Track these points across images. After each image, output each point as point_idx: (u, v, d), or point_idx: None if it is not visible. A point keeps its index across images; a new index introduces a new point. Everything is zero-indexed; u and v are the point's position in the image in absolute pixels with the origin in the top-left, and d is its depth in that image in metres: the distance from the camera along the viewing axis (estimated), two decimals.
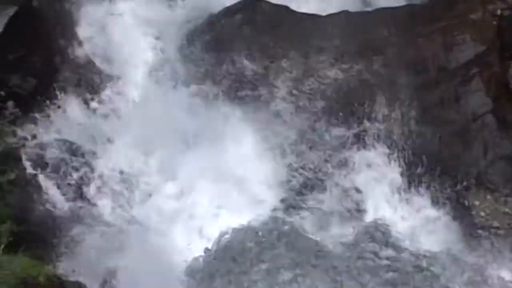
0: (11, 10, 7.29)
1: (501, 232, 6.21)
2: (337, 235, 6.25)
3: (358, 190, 6.57)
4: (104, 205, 6.49)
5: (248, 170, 6.59)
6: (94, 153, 6.67)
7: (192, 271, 5.97)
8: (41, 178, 6.45)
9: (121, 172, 6.65)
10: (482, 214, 6.29)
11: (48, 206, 6.34)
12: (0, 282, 4.66)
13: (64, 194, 6.44)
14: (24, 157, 6.48)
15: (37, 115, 6.75)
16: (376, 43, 7.13)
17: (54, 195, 6.40)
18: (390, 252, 6.09)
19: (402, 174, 6.58)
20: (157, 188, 6.61)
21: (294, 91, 6.98)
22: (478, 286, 5.87)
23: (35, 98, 6.83)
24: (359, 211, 6.46)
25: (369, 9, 7.52)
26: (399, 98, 6.85)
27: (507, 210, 6.28)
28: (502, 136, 6.52)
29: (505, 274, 6.00)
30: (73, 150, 6.64)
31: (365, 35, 7.19)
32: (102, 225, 6.33)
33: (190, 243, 6.21)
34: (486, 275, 5.97)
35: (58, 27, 7.20)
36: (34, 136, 6.63)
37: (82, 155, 6.64)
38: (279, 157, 6.70)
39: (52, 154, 6.59)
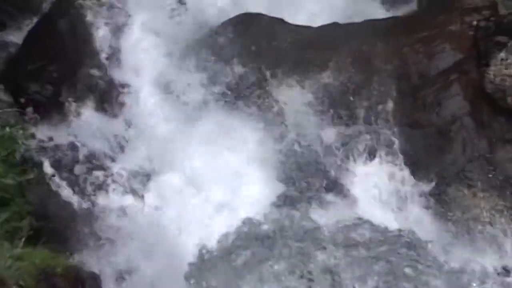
0: (31, 24, 7.42)
1: (478, 224, 6.23)
2: (329, 224, 6.17)
3: (347, 184, 6.59)
4: (116, 202, 6.48)
5: (248, 166, 6.61)
6: (106, 155, 6.67)
7: (197, 263, 5.93)
8: (57, 177, 6.47)
9: (132, 172, 6.64)
10: (461, 207, 6.31)
11: (64, 203, 6.36)
12: (21, 272, 4.67)
13: (79, 192, 6.45)
14: (42, 158, 6.48)
15: (54, 119, 6.78)
16: (363, 51, 7.13)
17: (69, 193, 6.42)
18: (376, 240, 6.00)
19: (388, 171, 6.59)
20: (166, 186, 6.59)
21: (287, 96, 6.97)
22: (455, 272, 5.85)
23: (52, 104, 6.86)
24: (347, 203, 6.49)
25: (357, 21, 7.50)
26: (386, 103, 6.85)
27: (483, 204, 6.29)
28: (479, 136, 6.55)
29: (484, 264, 5.99)
30: (87, 151, 6.65)
31: (354, 45, 7.19)
32: (114, 221, 6.35)
33: (196, 237, 6.17)
34: (463, 263, 5.96)
35: (74, 40, 7.23)
36: (51, 139, 6.66)
37: (95, 157, 6.64)
38: (273, 153, 6.71)
39: (67, 155, 6.61)
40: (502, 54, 6.54)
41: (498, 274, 5.96)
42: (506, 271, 5.94)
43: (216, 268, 5.84)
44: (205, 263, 5.91)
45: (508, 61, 6.47)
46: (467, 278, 5.82)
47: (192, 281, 5.79)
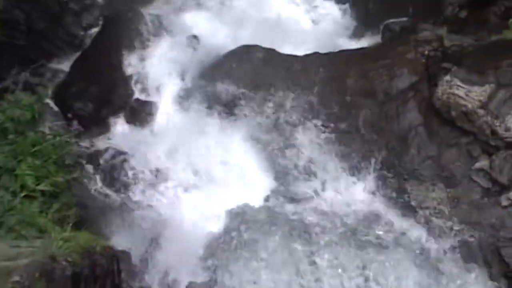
0: (76, 55, 7.47)
1: (430, 211, 6.25)
2: (308, 213, 6.25)
3: (325, 179, 6.58)
4: (144, 195, 6.52)
5: (245, 165, 6.62)
6: (136, 157, 6.71)
7: (208, 243, 6.04)
8: (97, 175, 6.57)
9: (156, 171, 6.66)
10: (417, 198, 6.35)
11: (102, 196, 6.45)
12: (69, 251, 4.72)
13: (114, 187, 6.53)
14: (85, 160, 6.58)
15: (94, 130, 6.87)
16: (339, 75, 7.14)
17: (106, 188, 6.51)
18: (349, 226, 6.10)
19: (358, 169, 6.61)
20: (182, 181, 6.60)
21: (279, 109, 6.97)
22: (413, 248, 5.95)
23: (93, 118, 6.96)
24: (324, 195, 6.51)
25: (334, 51, 7.51)
26: (356, 115, 6.88)
27: (434, 195, 6.34)
28: (430, 142, 6.59)
29: (434, 239, 6.09)
30: (120, 156, 6.71)
31: (331, 70, 7.20)
32: (142, 210, 6.40)
33: (206, 221, 6.23)
34: (420, 240, 6.05)
35: (110, 67, 7.29)
36: (92, 145, 6.76)
37: (127, 160, 6.68)
38: (267, 156, 6.71)
39: (105, 158, 6.70)
40: (448, 77, 6.57)
41: (444, 251, 6.03)
42: (448, 249, 5.99)
43: (222, 246, 5.92)
44: (213, 241, 6.00)
45: (452, 82, 6.49)
46: (419, 252, 5.92)
47: (205, 257, 5.89)
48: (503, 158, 6.24)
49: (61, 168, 5.96)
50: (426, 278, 5.66)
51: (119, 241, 6.06)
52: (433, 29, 7.18)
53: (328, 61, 7.30)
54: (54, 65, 7.38)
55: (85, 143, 6.71)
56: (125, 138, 6.84)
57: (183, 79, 7.28)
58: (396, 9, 7.80)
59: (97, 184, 6.48)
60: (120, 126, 6.93)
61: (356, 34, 7.89)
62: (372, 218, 6.25)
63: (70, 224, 5.31)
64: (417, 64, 6.97)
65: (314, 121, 6.88)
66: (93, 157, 6.65)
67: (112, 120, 6.95)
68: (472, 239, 6.01)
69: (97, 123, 6.91)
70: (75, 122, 6.69)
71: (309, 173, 6.60)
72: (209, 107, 6.99)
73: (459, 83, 6.47)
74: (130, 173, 6.60)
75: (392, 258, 5.78)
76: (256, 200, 6.35)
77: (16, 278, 4.08)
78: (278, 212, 6.19)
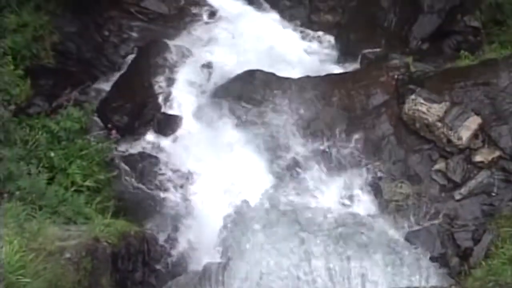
0: (115, 77, 7.58)
1: (399, 204, 6.31)
2: (303, 207, 6.20)
3: (316, 180, 6.59)
4: (168, 190, 6.55)
5: (250, 166, 6.63)
6: (161, 160, 6.74)
7: (222, 229, 6.01)
8: (131, 174, 6.60)
9: (178, 171, 6.69)
10: (388, 193, 6.39)
11: (135, 191, 6.49)
12: (109, 234, 4.89)
13: (144, 184, 6.57)
14: (122, 162, 6.65)
15: (129, 138, 6.91)
16: (326, 94, 7.18)
17: (139, 185, 6.55)
18: (335, 215, 6.10)
19: (342, 171, 6.64)
20: (200, 179, 6.62)
21: (278, 121, 6.98)
22: (384, 234, 5.97)
23: (128, 129, 7.01)
24: (314, 192, 6.56)
25: (321, 75, 7.55)
26: (340, 126, 6.93)
27: (401, 191, 6.38)
28: (399, 148, 6.64)
29: (402, 227, 6.14)
30: (150, 158, 6.75)
31: (319, 90, 7.23)
32: (166, 202, 6.45)
33: (220, 212, 6.20)
34: (389, 227, 6.08)
35: (142, 87, 7.36)
36: (127, 150, 6.80)
37: (155, 161, 6.72)
38: (268, 159, 6.74)
39: (138, 160, 6.74)
40: (413, 96, 6.63)
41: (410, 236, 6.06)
42: (413, 234, 6.03)
43: (234, 232, 5.89)
44: (226, 229, 5.95)
45: (416, 100, 6.56)
46: (389, 237, 5.95)
47: (219, 241, 5.86)
48: (456, 162, 6.34)
49: (103, 168, 6.21)
50: (394, 259, 5.69)
51: (148, 226, 6.12)
52: (401, 58, 7.25)
53: (317, 83, 7.33)
54: (97, 85, 7.48)
55: (121, 148, 6.74)
56: (154, 144, 6.87)
57: (200, 97, 7.32)
58: (371, 41, 7.86)
59: (131, 181, 6.52)
60: (149, 135, 6.95)
61: (340, 61, 7.93)
62: (353, 209, 6.29)
63: (110, 213, 5.51)
64: (388, 86, 7.02)
65: (306, 131, 6.90)
66: (128, 159, 6.69)
67: (143, 130, 6.97)
68: (432, 226, 6.07)
69: (131, 133, 6.94)
70: (113, 132, 6.73)
71: (303, 174, 6.62)
72: (221, 120, 7.03)
73: (422, 101, 6.54)
74: (157, 172, 6.63)
75: (366, 244, 5.79)
76: (261, 196, 6.34)
77: (68, 255, 4.25)
78: (279, 205, 6.18)
